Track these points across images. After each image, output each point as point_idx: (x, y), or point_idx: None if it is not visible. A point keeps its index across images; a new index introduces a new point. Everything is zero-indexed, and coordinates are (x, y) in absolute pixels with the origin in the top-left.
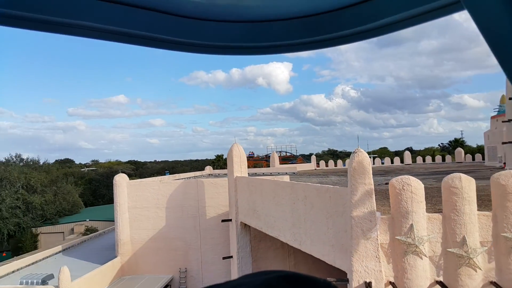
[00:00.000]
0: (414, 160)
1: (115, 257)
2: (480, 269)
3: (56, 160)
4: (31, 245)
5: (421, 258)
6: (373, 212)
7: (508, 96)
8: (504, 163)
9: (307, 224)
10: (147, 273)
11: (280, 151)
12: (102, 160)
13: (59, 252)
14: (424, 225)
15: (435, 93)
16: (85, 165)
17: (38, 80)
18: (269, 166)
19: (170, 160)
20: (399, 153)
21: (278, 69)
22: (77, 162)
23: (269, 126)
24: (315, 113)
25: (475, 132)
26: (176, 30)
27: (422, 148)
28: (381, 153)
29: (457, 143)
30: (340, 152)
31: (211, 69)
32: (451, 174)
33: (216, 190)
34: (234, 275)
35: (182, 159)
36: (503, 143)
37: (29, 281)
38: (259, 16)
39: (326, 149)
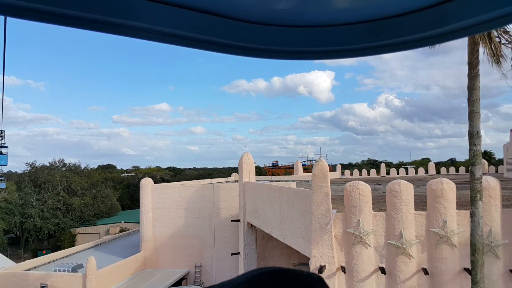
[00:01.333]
0: (438, 171)
1: (139, 252)
2: (413, 257)
3: (99, 166)
4: (69, 244)
5: (367, 247)
6: (328, 209)
7: None
8: None
9: (289, 221)
10: (166, 267)
11: (311, 160)
12: (143, 166)
13: (91, 247)
14: (370, 220)
15: (483, 103)
16: (126, 171)
17: (84, 89)
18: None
19: (209, 167)
20: (442, 164)
21: (320, 78)
22: (119, 167)
23: (309, 135)
24: (356, 122)
25: None
26: (238, 34)
27: (463, 160)
28: (421, 163)
29: (485, 155)
30: (380, 162)
31: (252, 78)
32: (394, 181)
33: (230, 194)
34: (241, 270)
35: (221, 166)
36: None
37: (61, 269)
38: (323, 21)
39: (366, 158)
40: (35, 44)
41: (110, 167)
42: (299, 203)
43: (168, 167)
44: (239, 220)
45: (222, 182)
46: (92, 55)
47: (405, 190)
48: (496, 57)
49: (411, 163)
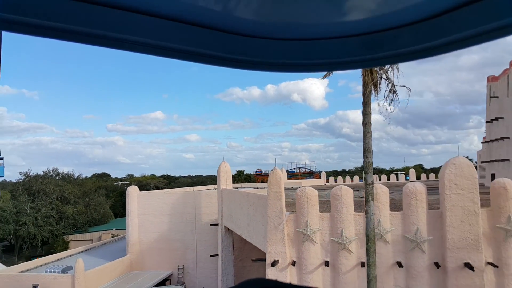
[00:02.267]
0: (418, 177)
1: (126, 255)
2: (352, 252)
3: (93, 174)
4: (62, 251)
5: (314, 244)
6: (281, 211)
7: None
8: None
9: (254, 223)
10: (151, 269)
11: (299, 167)
12: (137, 174)
13: (82, 252)
14: (317, 221)
15: (476, 109)
16: (120, 179)
17: (79, 97)
18: None
19: (204, 174)
20: (435, 170)
21: (313, 85)
22: (113, 176)
23: (304, 142)
24: (350, 129)
25: None
26: (228, 46)
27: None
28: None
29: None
30: (374, 168)
31: (246, 86)
32: (337, 186)
33: (210, 200)
34: (219, 271)
35: (215, 174)
36: (481, 162)
37: (52, 270)
38: (316, 34)
39: (359, 165)
40: (28, 53)
41: (104, 176)
42: (261, 207)
43: (162, 175)
44: (217, 224)
45: (204, 190)
46: (86, 64)
47: (345, 194)
48: (376, 88)
49: (402, 170)
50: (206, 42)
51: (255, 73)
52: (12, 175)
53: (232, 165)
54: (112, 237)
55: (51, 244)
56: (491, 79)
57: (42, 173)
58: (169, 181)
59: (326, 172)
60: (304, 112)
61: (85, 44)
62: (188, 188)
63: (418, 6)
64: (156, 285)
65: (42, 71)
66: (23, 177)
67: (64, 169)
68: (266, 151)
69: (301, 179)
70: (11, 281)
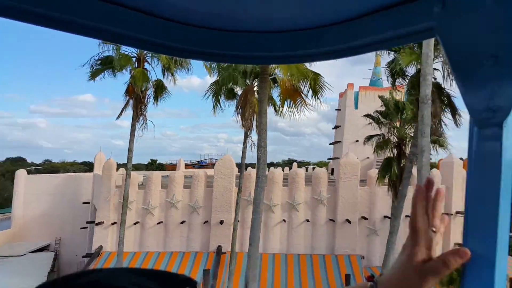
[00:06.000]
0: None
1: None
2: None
3: (7, 158)
4: None
5: (130, 211)
6: (110, 188)
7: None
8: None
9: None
10: (32, 240)
11: (211, 159)
12: (57, 160)
13: None
14: (134, 195)
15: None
16: (37, 165)
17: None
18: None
19: (134, 162)
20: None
21: None
22: (30, 160)
23: (240, 134)
24: (286, 123)
25: None
26: (168, 35)
27: None
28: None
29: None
30: (300, 162)
31: (186, 74)
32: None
33: (89, 182)
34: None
35: (145, 162)
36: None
37: None
38: (246, 27)
39: (289, 158)
40: None
41: (20, 160)
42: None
43: (83, 162)
44: (89, 203)
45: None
46: (10, 39)
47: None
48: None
49: (314, 164)
50: (142, 28)
51: (196, 62)
52: None
53: (166, 154)
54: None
55: None
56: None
57: None
58: (90, 168)
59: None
60: None
61: (34, 24)
62: (72, 174)
63: (338, 7)
64: (32, 252)
65: None
66: None
67: None
68: (202, 141)
69: (198, 168)
70: None
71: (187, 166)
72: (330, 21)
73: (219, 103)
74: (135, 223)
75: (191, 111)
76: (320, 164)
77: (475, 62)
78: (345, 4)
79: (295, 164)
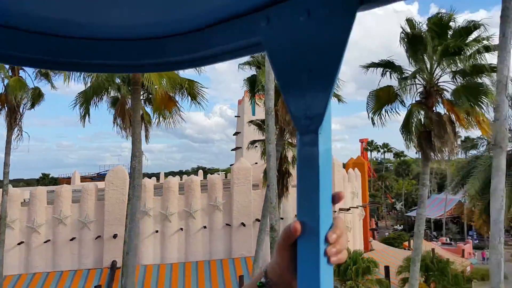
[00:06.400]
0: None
1: None
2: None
3: None
4: None
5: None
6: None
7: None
8: None
9: None
10: None
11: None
12: None
13: None
14: (44, 212)
15: None
16: None
17: None
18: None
19: (25, 178)
20: None
21: None
22: None
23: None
24: (194, 130)
25: None
26: (14, 45)
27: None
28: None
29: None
30: (209, 169)
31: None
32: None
33: None
34: None
35: (37, 177)
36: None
37: None
38: (91, 34)
39: (198, 166)
40: None
41: None
42: None
43: None
44: None
45: None
46: None
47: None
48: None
49: (223, 170)
50: (48, 49)
51: None
52: None
53: (63, 166)
54: None
55: None
56: (239, 102)
57: None
58: None
59: (165, 172)
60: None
61: None
62: None
63: (181, 19)
64: None
65: None
66: None
67: None
68: (104, 151)
69: (98, 181)
70: None
71: (84, 179)
72: (174, 32)
73: (89, 114)
74: (19, 243)
75: (91, 119)
76: (229, 171)
77: (295, 75)
78: (188, 16)
79: (200, 172)
